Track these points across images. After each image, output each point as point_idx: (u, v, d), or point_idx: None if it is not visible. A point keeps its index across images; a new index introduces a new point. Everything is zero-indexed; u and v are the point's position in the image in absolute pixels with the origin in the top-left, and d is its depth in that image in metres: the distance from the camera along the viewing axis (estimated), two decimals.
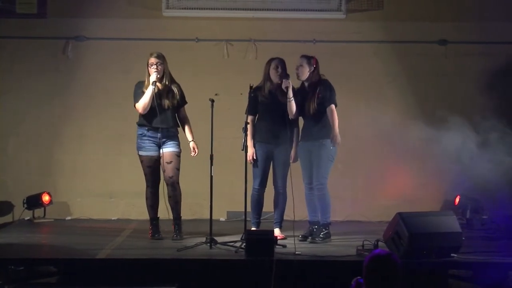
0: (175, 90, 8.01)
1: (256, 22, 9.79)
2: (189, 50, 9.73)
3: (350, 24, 9.78)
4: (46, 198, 9.50)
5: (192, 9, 9.68)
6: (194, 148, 8.01)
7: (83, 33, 9.77)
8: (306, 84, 7.98)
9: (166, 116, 7.98)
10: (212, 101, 7.67)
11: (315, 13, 9.72)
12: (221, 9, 9.68)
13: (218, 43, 9.78)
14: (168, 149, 7.98)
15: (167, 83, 7.99)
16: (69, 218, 9.74)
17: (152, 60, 7.92)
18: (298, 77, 7.96)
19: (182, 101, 8.09)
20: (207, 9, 9.67)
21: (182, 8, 9.66)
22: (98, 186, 9.76)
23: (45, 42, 9.77)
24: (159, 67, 7.90)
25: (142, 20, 9.77)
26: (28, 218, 9.48)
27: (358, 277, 4.91)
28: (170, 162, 7.98)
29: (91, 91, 9.77)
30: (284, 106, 7.92)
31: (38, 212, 9.55)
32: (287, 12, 9.71)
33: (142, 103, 7.90)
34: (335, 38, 9.73)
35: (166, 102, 7.94)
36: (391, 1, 9.82)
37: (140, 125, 8.04)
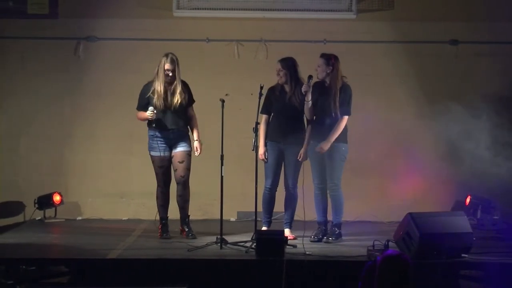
0: (183, 90, 8.02)
1: (267, 22, 9.79)
2: (199, 51, 9.73)
3: (360, 24, 9.77)
4: (57, 198, 9.52)
5: (203, 9, 9.68)
6: (197, 148, 8.02)
7: (94, 33, 9.79)
8: (326, 83, 7.97)
9: (176, 117, 8.01)
10: (223, 101, 7.70)
11: (325, 13, 9.71)
12: (232, 9, 9.68)
13: (229, 43, 9.78)
14: (179, 149, 8.03)
15: (177, 85, 8.00)
16: (80, 218, 9.76)
17: (168, 66, 7.93)
18: (317, 76, 7.97)
19: (190, 100, 8.11)
20: (217, 9, 9.67)
21: (193, 9, 9.66)
22: (109, 186, 9.78)
23: (56, 43, 9.79)
24: (171, 74, 7.93)
25: (153, 21, 9.78)
26: (39, 218, 9.50)
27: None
28: (182, 162, 8.02)
29: (101, 91, 9.79)
30: (296, 106, 7.94)
31: (49, 212, 9.58)
32: (298, 12, 9.70)
33: (139, 118, 8.10)
34: (346, 38, 9.71)
35: (175, 103, 7.96)
36: (402, 1, 9.79)
37: (150, 126, 8.07)
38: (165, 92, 7.96)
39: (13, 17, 9.74)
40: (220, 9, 9.67)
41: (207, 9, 9.68)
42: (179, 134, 8.06)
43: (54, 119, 9.82)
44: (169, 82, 7.98)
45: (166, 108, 7.96)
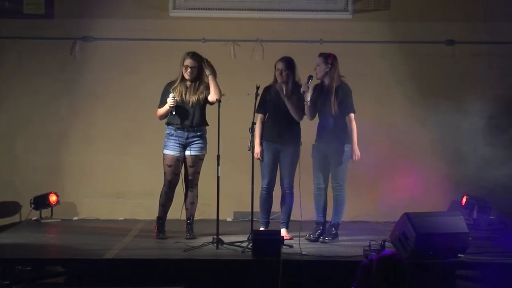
0: (204, 89, 8.03)
1: (263, 22, 9.79)
2: (196, 51, 9.70)
3: (357, 24, 9.77)
4: (53, 198, 9.51)
5: (199, 9, 9.68)
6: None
7: (90, 33, 9.78)
8: (325, 83, 7.98)
9: (193, 115, 8.01)
10: (219, 101, 7.69)
11: (322, 13, 9.72)
12: (228, 9, 9.68)
13: (225, 43, 9.77)
14: (192, 152, 8.03)
15: (199, 84, 8.03)
16: (76, 218, 9.75)
17: (187, 62, 7.98)
18: (316, 76, 7.97)
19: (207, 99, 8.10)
20: (214, 9, 9.68)
21: (189, 9, 9.66)
22: (105, 186, 9.77)
23: (53, 43, 9.78)
24: (190, 70, 7.96)
25: (149, 21, 9.78)
26: (36, 218, 9.49)
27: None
28: (192, 166, 8.03)
29: (98, 92, 9.79)
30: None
31: (46, 212, 9.57)
32: (294, 13, 9.71)
33: (159, 115, 8.07)
34: (342, 39, 9.71)
35: (193, 100, 7.98)
36: (398, 1, 9.80)
37: (168, 124, 8.07)
38: (185, 88, 7.99)
39: (9, 17, 9.72)
40: (216, 9, 9.67)
41: (203, 9, 9.68)
42: (195, 134, 8.04)
43: (51, 119, 9.81)
44: (191, 80, 8.01)
45: (184, 104, 7.97)
